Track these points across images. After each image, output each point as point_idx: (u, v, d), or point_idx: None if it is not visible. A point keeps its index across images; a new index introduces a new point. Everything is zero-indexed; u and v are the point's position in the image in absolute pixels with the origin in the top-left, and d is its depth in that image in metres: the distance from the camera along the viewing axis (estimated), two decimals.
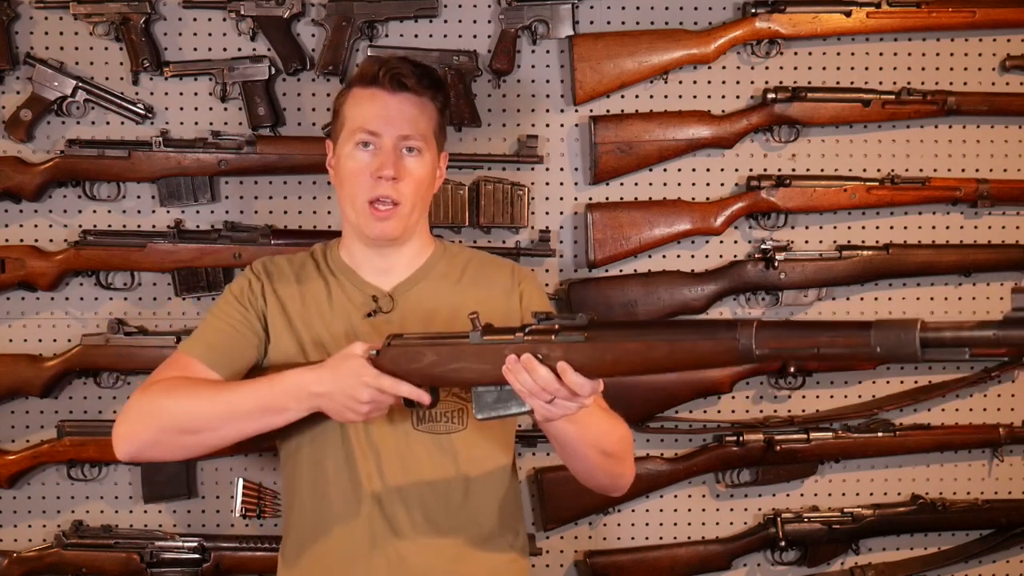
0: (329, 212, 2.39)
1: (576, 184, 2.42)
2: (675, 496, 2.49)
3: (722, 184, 2.44)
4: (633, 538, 2.48)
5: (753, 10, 2.35)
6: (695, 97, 2.41)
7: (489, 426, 1.71)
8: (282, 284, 1.79)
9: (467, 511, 1.72)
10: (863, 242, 2.45)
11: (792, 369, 2.39)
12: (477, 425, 1.71)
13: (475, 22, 2.38)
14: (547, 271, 2.41)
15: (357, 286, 1.78)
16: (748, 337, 1.33)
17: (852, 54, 2.42)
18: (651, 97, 2.41)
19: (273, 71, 2.33)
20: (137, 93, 2.35)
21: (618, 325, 1.56)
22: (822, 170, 2.43)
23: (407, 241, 1.79)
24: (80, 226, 2.35)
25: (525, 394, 1.47)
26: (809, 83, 2.41)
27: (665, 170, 2.42)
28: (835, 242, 2.44)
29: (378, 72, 1.72)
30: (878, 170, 2.43)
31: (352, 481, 1.70)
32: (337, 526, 1.70)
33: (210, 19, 2.35)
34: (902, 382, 2.49)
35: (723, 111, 2.41)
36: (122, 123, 2.35)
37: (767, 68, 2.42)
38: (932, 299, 2.48)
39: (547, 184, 2.41)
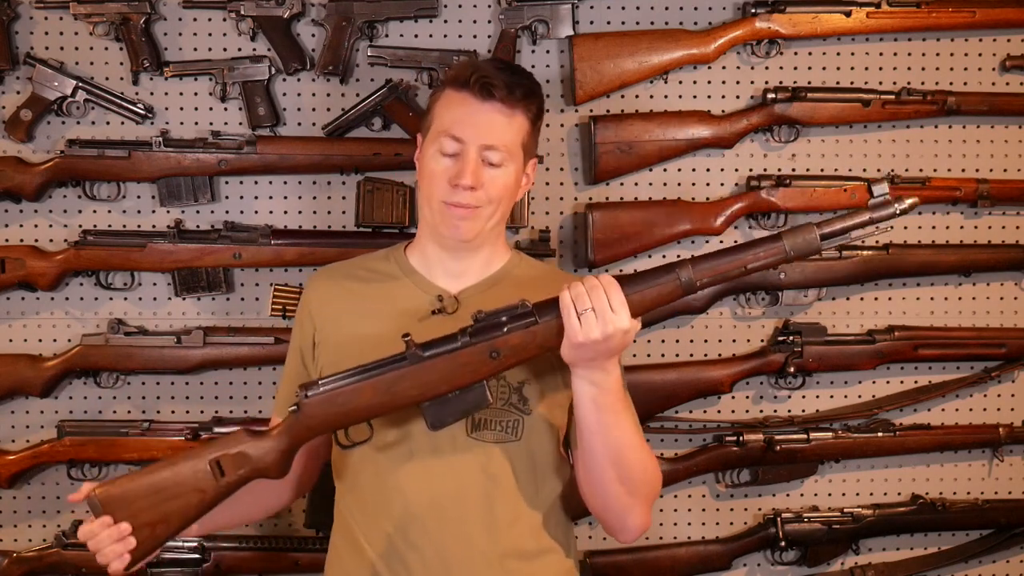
0: (329, 212, 2.39)
1: (576, 184, 2.42)
2: (675, 496, 2.49)
3: (722, 184, 2.44)
4: None
5: (753, 10, 2.35)
6: (695, 97, 2.42)
7: (544, 438, 1.70)
8: (332, 300, 1.76)
9: (517, 526, 1.68)
10: (863, 242, 2.44)
11: (792, 369, 2.39)
12: (532, 437, 1.69)
13: (475, 22, 2.38)
14: None
15: (422, 287, 1.74)
16: (688, 273, 1.55)
17: (852, 54, 2.43)
18: (651, 97, 2.41)
19: (273, 71, 2.33)
20: (137, 93, 2.35)
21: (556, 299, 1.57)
22: (822, 170, 2.43)
23: (481, 246, 1.74)
24: (80, 226, 2.35)
25: (564, 304, 1.51)
26: (809, 83, 2.41)
27: (665, 170, 2.42)
28: None
29: (469, 77, 1.67)
30: (878, 170, 2.43)
31: (394, 488, 1.67)
32: (380, 533, 1.68)
33: (210, 19, 2.35)
34: (902, 382, 2.49)
35: (723, 111, 2.41)
36: (122, 123, 2.35)
37: (767, 68, 2.42)
38: (932, 299, 2.48)
39: (547, 184, 2.41)
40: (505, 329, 1.55)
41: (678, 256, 2.43)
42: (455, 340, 1.56)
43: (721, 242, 2.43)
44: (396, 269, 1.78)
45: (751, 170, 2.43)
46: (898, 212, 1.53)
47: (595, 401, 1.58)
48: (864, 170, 2.43)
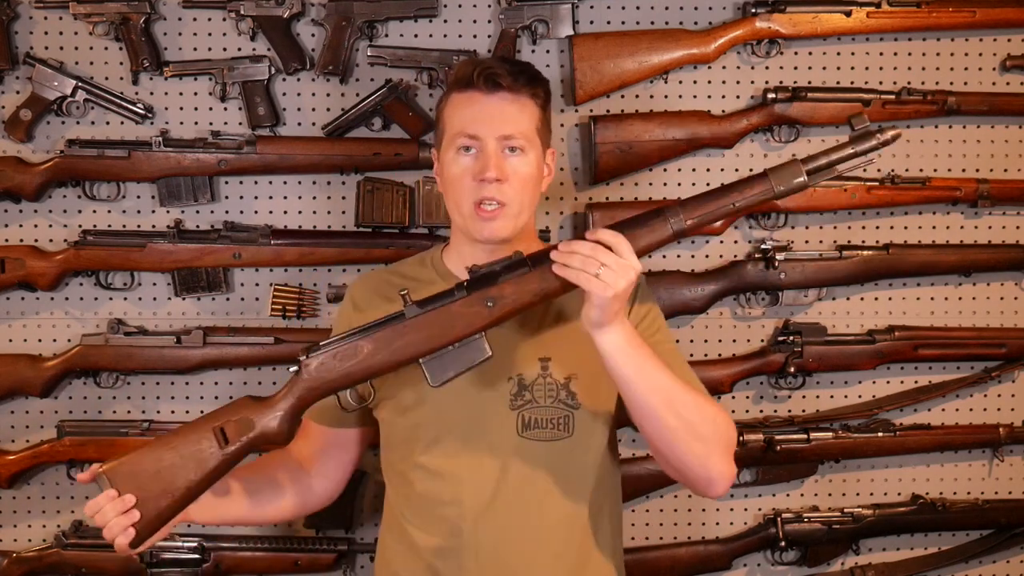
0: (329, 212, 2.39)
1: (576, 184, 2.42)
2: (675, 496, 2.49)
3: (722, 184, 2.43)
4: (633, 538, 2.48)
5: (753, 10, 2.35)
6: (695, 97, 2.41)
7: (596, 432, 1.70)
8: (373, 312, 1.75)
9: (569, 524, 1.69)
10: (863, 242, 2.45)
11: (792, 369, 2.39)
12: (584, 431, 1.69)
13: (475, 22, 2.38)
14: None
15: None
16: (677, 218, 1.57)
17: (852, 54, 2.42)
18: (651, 97, 2.41)
19: (273, 71, 2.33)
20: (137, 93, 2.35)
21: (555, 247, 1.57)
22: None
23: (518, 242, 1.72)
24: (80, 226, 2.35)
25: (577, 275, 1.51)
26: (809, 83, 2.41)
27: (665, 170, 2.42)
28: (835, 242, 2.44)
29: (472, 73, 1.67)
30: (878, 170, 2.43)
31: (446, 489, 1.67)
32: (434, 533, 1.69)
33: (210, 19, 2.35)
34: (902, 382, 2.49)
35: (723, 111, 2.41)
36: (122, 123, 2.35)
37: (767, 68, 2.42)
38: (932, 299, 2.48)
39: None
40: (499, 278, 1.57)
41: (678, 256, 2.43)
42: (451, 294, 1.58)
43: (721, 242, 2.44)
44: (434, 275, 1.78)
45: (751, 170, 2.42)
46: (879, 143, 1.57)
47: (626, 351, 1.56)
48: (864, 170, 2.42)
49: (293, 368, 1.61)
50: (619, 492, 1.80)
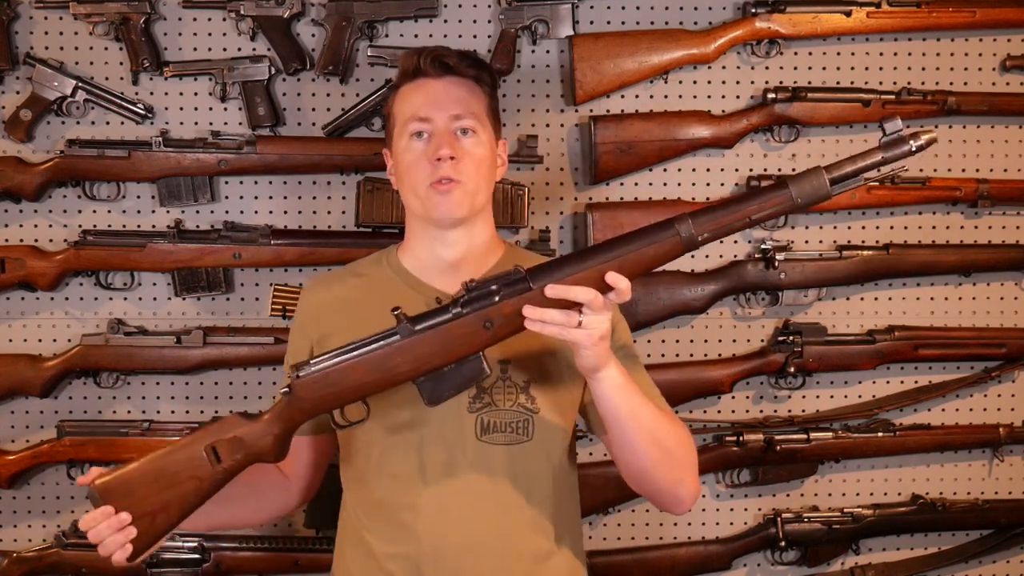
0: (329, 212, 2.39)
1: (576, 184, 2.42)
2: None
3: (722, 184, 2.44)
4: (633, 538, 2.48)
5: (753, 10, 2.35)
6: (695, 97, 2.42)
7: (556, 436, 1.69)
8: (328, 313, 1.74)
9: (531, 527, 1.67)
10: (863, 242, 2.45)
11: (792, 369, 2.39)
12: (544, 435, 1.67)
13: (475, 22, 2.38)
14: None
15: (417, 289, 1.71)
16: (688, 229, 1.48)
17: (852, 54, 2.43)
18: (651, 97, 2.41)
19: (273, 71, 2.33)
20: (137, 93, 2.35)
21: (556, 263, 1.51)
22: None
23: (474, 227, 1.70)
24: (80, 226, 2.35)
25: (561, 332, 1.45)
26: (809, 83, 2.41)
27: (665, 170, 2.42)
28: (835, 242, 2.44)
29: (419, 61, 1.68)
30: (878, 170, 2.43)
31: (405, 496, 1.65)
32: (393, 540, 1.67)
33: (210, 19, 2.35)
34: (902, 382, 2.49)
35: (723, 111, 2.41)
36: (122, 123, 2.35)
37: (767, 68, 2.42)
38: (932, 299, 2.48)
39: (547, 184, 2.41)
40: (497, 298, 1.50)
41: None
42: (447, 312, 1.52)
43: (721, 242, 2.43)
44: (390, 273, 1.75)
45: (751, 170, 2.43)
46: (914, 149, 1.44)
47: (625, 392, 1.55)
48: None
49: (284, 390, 1.57)
50: (577, 494, 1.78)
